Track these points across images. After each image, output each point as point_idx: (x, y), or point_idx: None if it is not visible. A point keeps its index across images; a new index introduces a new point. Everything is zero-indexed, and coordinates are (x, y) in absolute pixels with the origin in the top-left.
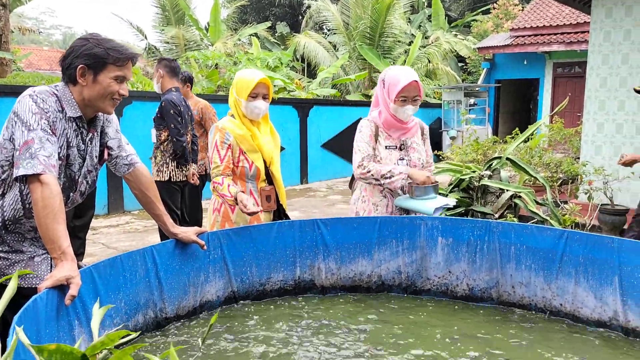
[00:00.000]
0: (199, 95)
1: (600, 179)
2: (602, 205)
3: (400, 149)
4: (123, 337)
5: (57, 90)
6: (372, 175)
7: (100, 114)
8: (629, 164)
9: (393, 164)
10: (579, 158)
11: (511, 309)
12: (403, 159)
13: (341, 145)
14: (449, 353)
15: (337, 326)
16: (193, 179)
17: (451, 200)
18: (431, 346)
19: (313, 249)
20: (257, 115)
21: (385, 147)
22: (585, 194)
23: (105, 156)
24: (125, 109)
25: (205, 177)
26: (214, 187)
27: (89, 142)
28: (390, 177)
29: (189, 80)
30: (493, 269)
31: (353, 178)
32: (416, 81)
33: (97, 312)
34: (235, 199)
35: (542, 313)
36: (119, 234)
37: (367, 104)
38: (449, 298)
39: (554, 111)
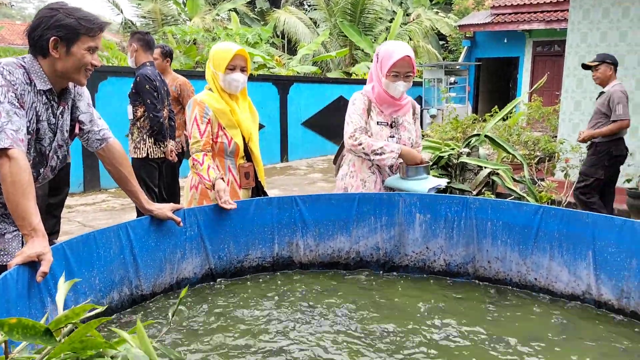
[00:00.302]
0: (176, 71)
1: (577, 156)
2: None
3: (391, 127)
4: (90, 311)
5: (24, 62)
6: (362, 148)
7: (71, 87)
8: (587, 139)
9: (383, 141)
10: (556, 136)
11: (487, 284)
12: (393, 137)
13: (322, 123)
14: (428, 327)
15: (316, 303)
16: (171, 156)
17: (443, 181)
18: (411, 321)
19: (291, 226)
20: (235, 88)
21: (377, 122)
22: (562, 171)
23: (77, 130)
24: (101, 85)
25: (182, 155)
26: (193, 164)
27: (60, 116)
28: (381, 154)
29: (169, 55)
30: (470, 245)
31: (338, 154)
32: (409, 56)
33: (62, 286)
34: (213, 185)
35: (517, 288)
36: (95, 212)
37: (348, 82)
38: (426, 274)
39: (532, 88)
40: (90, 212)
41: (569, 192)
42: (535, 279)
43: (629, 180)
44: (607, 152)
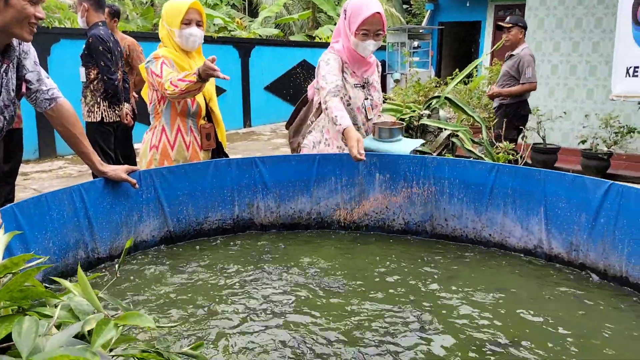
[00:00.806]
0: (133, 33)
1: (534, 118)
2: (534, 144)
3: (364, 88)
4: (30, 262)
5: None
6: (327, 112)
7: (15, 44)
8: (495, 96)
9: (360, 104)
10: None
11: (444, 241)
12: (367, 99)
13: (285, 87)
14: (391, 284)
15: (279, 264)
16: (127, 119)
17: (419, 141)
18: (374, 278)
19: (251, 188)
20: (193, 43)
21: (354, 85)
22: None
23: (24, 90)
24: (53, 48)
25: (136, 119)
26: (170, 85)
27: (4, 74)
28: (335, 123)
29: (116, 15)
30: (428, 204)
31: (292, 118)
32: (379, 13)
33: (1, 239)
34: (199, 75)
35: (473, 244)
36: (51, 180)
37: (312, 45)
38: (385, 232)
39: (492, 49)
40: (46, 180)
41: (526, 153)
42: (490, 234)
43: (583, 142)
44: (515, 112)
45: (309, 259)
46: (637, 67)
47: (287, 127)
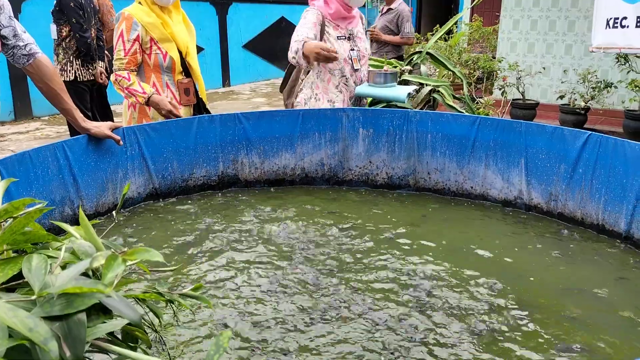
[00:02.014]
0: None
1: (513, 74)
2: (514, 99)
3: (349, 39)
4: (30, 206)
5: None
6: (293, 57)
7: None
8: (376, 39)
9: (346, 55)
10: (495, 57)
11: (427, 194)
12: (353, 50)
13: (264, 46)
14: (373, 234)
15: (267, 218)
16: (101, 78)
17: (414, 87)
18: (368, 233)
19: (235, 144)
20: (167, 1)
21: (337, 37)
22: (500, 89)
23: None
24: (24, 5)
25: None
26: (116, 79)
27: None
28: (298, 50)
29: None
30: (411, 157)
31: (286, 79)
32: None
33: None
34: (148, 99)
35: (455, 196)
36: (29, 141)
37: (291, 2)
38: (369, 187)
39: (472, 4)
40: (24, 141)
41: (506, 109)
42: (472, 187)
43: (562, 97)
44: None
45: (295, 214)
46: (617, 19)
47: (280, 90)
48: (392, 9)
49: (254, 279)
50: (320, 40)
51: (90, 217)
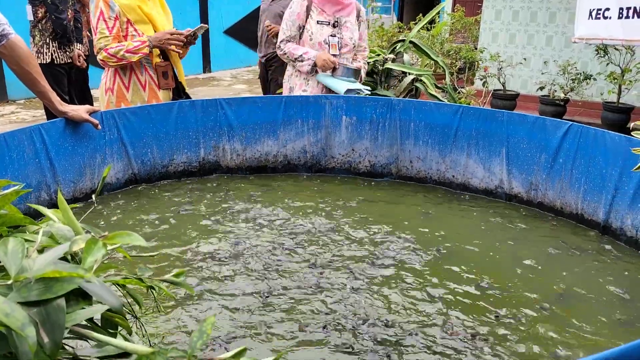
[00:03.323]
0: None
1: (495, 65)
2: (495, 90)
3: (334, 26)
4: (5, 188)
5: None
6: (287, 57)
7: None
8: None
9: (323, 39)
10: (477, 47)
11: (409, 183)
12: (335, 36)
13: (246, 31)
14: (358, 222)
15: (249, 205)
16: (79, 61)
17: (366, 89)
18: (359, 223)
19: (217, 130)
20: None
21: (317, 22)
22: (481, 79)
23: None
24: None
25: (88, 60)
26: (109, 54)
27: None
28: (301, 61)
29: None
30: (393, 146)
31: None
32: None
33: None
34: (150, 43)
35: (436, 185)
36: (3, 125)
37: None
38: (352, 175)
39: None
40: None
41: (487, 99)
42: (453, 176)
43: (542, 88)
44: None
45: (279, 202)
46: (600, 9)
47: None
48: None
49: (237, 266)
50: (305, 23)
51: (67, 202)
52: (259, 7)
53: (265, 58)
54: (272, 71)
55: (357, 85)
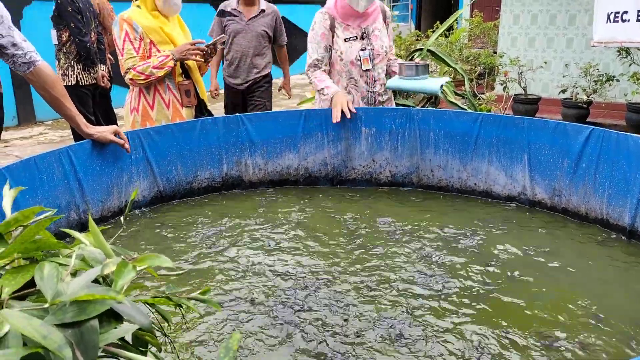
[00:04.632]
0: None
1: (515, 69)
2: (516, 94)
3: (362, 38)
4: (39, 214)
5: None
6: (313, 86)
7: None
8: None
9: (353, 57)
10: (496, 52)
11: (432, 191)
12: (365, 49)
13: None
14: (385, 233)
15: (273, 219)
16: (103, 82)
17: (447, 79)
18: (370, 229)
19: (239, 145)
20: (174, 11)
21: (345, 39)
22: (501, 84)
23: None
24: (25, 10)
25: (112, 80)
26: (137, 72)
27: None
28: (322, 94)
29: None
30: (413, 155)
31: None
32: None
33: (8, 194)
34: (173, 56)
35: (459, 193)
36: (33, 146)
37: (289, 2)
38: (373, 185)
39: (472, 0)
40: (28, 146)
41: (508, 104)
42: (475, 183)
43: (563, 91)
44: None
45: (303, 213)
46: (618, 13)
47: None
48: (264, 11)
49: (264, 282)
50: (332, 42)
51: (96, 221)
52: None
53: (246, 84)
54: (257, 96)
55: (442, 80)
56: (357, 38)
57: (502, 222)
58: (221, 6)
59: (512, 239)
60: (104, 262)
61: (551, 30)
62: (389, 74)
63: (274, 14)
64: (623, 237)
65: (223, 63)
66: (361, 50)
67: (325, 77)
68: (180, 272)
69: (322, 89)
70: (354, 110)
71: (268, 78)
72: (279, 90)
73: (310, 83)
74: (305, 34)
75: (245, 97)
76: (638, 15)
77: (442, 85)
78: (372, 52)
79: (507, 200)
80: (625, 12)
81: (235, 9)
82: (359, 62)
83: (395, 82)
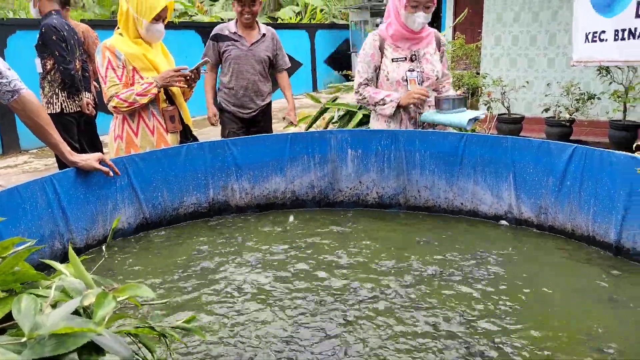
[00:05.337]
0: (91, 22)
1: (498, 89)
2: (499, 114)
3: (412, 60)
4: (18, 245)
5: None
6: (367, 102)
7: None
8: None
9: (400, 77)
10: (479, 73)
11: (417, 212)
12: (413, 71)
13: None
14: (371, 254)
15: (261, 241)
16: (88, 109)
17: (480, 112)
18: (373, 253)
19: (225, 170)
20: (157, 38)
21: (392, 60)
22: (485, 105)
23: None
24: (9, 40)
25: (97, 108)
26: (120, 100)
27: None
28: (382, 104)
29: (66, 3)
30: (400, 176)
31: None
32: None
33: None
34: (157, 83)
35: (445, 213)
36: (17, 175)
37: (275, 27)
38: (360, 207)
39: (454, 22)
40: (12, 175)
41: (492, 124)
42: (462, 203)
43: (546, 110)
44: None
45: (292, 238)
46: (596, 33)
47: None
48: (265, 35)
49: (249, 309)
50: (380, 62)
51: (81, 250)
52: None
53: (254, 113)
54: (262, 124)
55: (474, 113)
56: (405, 59)
57: (493, 242)
58: (216, 30)
59: (506, 263)
60: (84, 293)
61: (532, 50)
62: None
63: (273, 37)
64: (609, 254)
65: (220, 89)
66: (409, 71)
67: (379, 89)
68: (163, 301)
69: (383, 98)
70: (428, 94)
71: (271, 104)
72: (283, 118)
73: (364, 99)
74: (291, 59)
75: (249, 125)
76: (615, 35)
77: (470, 120)
78: (421, 74)
79: (493, 219)
80: (603, 31)
81: (235, 33)
82: (405, 83)
83: (429, 115)
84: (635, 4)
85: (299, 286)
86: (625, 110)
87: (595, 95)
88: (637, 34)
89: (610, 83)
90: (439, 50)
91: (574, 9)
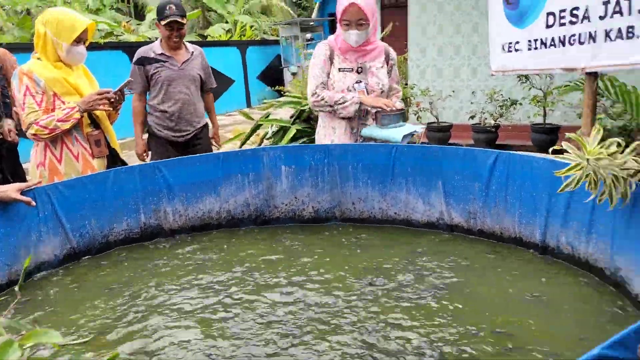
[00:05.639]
0: (10, 45)
1: (426, 99)
2: (429, 123)
3: (358, 72)
4: None
5: None
6: (326, 102)
7: None
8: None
9: (346, 87)
10: (407, 84)
11: (353, 224)
12: (360, 82)
13: None
14: (308, 270)
15: (197, 266)
16: (10, 136)
17: (418, 127)
18: (307, 268)
19: (156, 193)
20: (78, 61)
21: (339, 69)
22: (415, 114)
23: None
24: None
25: (19, 134)
26: (40, 127)
27: None
28: (343, 103)
29: None
30: (334, 190)
31: None
32: (357, 4)
33: None
34: (79, 108)
35: (380, 223)
36: None
37: (203, 44)
38: (297, 222)
39: (380, 36)
40: None
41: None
42: (396, 212)
43: (472, 117)
44: None
45: (227, 259)
46: (511, 44)
47: None
48: (193, 53)
49: (182, 344)
50: (330, 70)
51: (2, 287)
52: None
53: (190, 135)
54: (200, 145)
55: (410, 128)
56: (352, 70)
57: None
58: (140, 53)
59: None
60: None
61: (457, 60)
62: None
63: (201, 55)
64: (537, 253)
65: (151, 113)
66: (356, 82)
67: (333, 91)
68: (87, 339)
69: (343, 97)
70: (393, 105)
71: (207, 125)
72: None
73: (322, 99)
74: (221, 76)
75: (183, 149)
76: (529, 46)
77: (406, 135)
78: (366, 86)
79: (427, 227)
80: (517, 42)
81: (162, 54)
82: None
83: (368, 131)
84: (545, 16)
85: (235, 310)
86: (545, 114)
87: (517, 101)
88: (548, 43)
89: (530, 89)
90: (387, 64)
91: (489, 21)
